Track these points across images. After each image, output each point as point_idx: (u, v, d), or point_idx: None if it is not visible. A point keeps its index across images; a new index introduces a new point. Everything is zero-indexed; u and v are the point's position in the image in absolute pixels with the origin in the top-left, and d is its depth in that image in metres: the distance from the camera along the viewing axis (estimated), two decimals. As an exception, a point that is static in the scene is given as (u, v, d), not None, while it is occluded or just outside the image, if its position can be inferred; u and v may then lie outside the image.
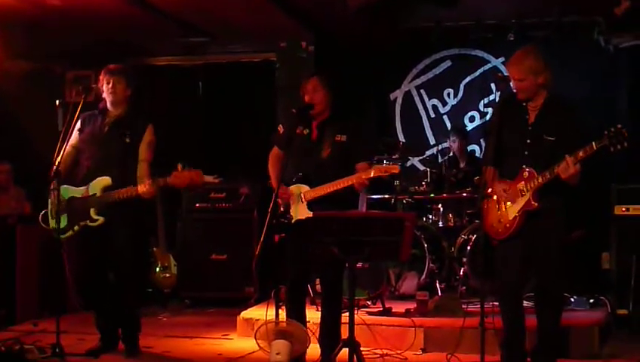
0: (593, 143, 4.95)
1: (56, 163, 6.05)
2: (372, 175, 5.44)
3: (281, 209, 5.67)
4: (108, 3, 7.90)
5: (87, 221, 6.18)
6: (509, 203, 5.30)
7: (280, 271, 5.80)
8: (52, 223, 6.25)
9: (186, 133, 9.94)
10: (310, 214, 5.48)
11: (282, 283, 5.85)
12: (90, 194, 6.19)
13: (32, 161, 8.15)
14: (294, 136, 5.79)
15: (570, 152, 4.99)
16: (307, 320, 5.87)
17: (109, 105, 6.32)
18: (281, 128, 6.00)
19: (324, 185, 5.59)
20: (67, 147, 6.18)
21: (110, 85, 6.24)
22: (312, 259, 5.57)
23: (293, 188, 5.72)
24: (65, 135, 6.17)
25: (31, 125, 8.45)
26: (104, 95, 6.30)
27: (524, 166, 5.26)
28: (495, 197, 5.38)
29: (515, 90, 5.37)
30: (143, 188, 6.06)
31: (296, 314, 5.64)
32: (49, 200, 6.21)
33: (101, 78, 6.32)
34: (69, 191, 6.28)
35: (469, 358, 5.75)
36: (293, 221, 5.61)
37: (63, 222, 6.24)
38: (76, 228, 6.22)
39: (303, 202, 5.65)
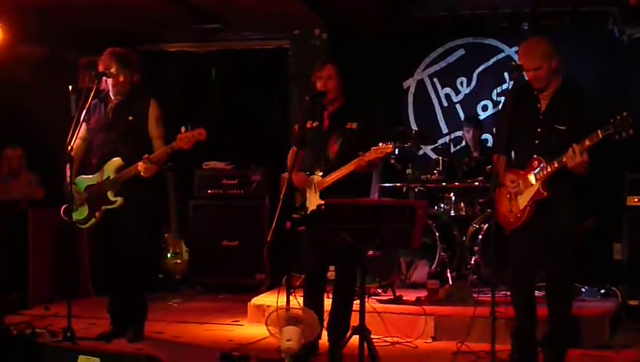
0: (599, 131, 4.92)
1: (69, 148, 6.08)
2: (367, 158, 5.44)
3: (298, 202, 5.69)
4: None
5: (107, 205, 6.22)
6: (519, 193, 5.29)
7: (291, 258, 5.80)
8: (75, 215, 6.31)
9: (198, 119, 9.92)
10: (321, 202, 5.49)
11: (293, 270, 5.84)
12: (105, 177, 6.22)
13: (44, 146, 8.16)
14: (306, 131, 5.80)
15: (578, 142, 4.99)
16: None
17: (111, 91, 6.32)
18: (296, 128, 5.97)
19: (332, 173, 5.62)
20: (77, 139, 6.19)
21: (115, 72, 6.22)
22: (327, 248, 5.57)
23: (310, 178, 5.75)
24: (77, 121, 6.19)
25: (44, 110, 8.45)
26: (106, 79, 6.26)
27: (534, 155, 5.24)
28: (506, 187, 5.37)
29: (529, 81, 5.33)
30: (142, 165, 6.05)
31: (314, 307, 5.57)
32: (68, 194, 6.21)
33: (107, 61, 6.28)
34: (85, 181, 6.33)
35: (480, 347, 5.76)
36: (309, 212, 5.64)
37: (84, 213, 6.30)
38: (98, 214, 6.27)
39: (316, 192, 5.68)
